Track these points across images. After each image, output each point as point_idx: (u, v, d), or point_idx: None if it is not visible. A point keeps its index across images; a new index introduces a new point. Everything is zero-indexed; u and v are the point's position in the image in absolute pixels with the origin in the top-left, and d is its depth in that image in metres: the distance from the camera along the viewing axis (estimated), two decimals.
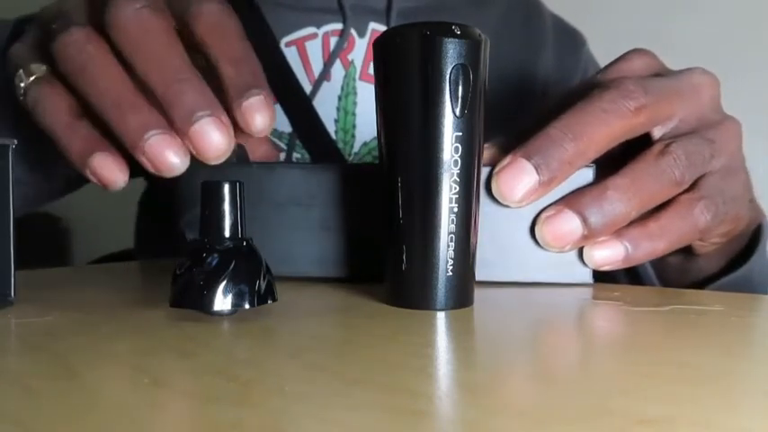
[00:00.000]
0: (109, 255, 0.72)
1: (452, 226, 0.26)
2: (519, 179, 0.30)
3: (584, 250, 0.32)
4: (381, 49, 0.27)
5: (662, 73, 0.34)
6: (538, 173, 0.30)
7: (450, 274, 0.26)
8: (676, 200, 0.32)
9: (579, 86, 0.35)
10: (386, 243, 0.28)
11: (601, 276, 0.34)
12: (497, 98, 0.40)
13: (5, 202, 0.26)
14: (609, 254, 0.31)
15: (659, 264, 0.42)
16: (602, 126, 0.30)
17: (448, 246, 0.26)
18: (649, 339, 0.23)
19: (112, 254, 0.72)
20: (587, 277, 0.33)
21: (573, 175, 0.31)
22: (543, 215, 0.31)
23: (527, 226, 0.32)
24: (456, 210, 0.26)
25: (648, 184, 0.30)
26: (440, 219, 0.26)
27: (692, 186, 0.32)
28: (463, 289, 0.27)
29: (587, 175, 0.32)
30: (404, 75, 0.26)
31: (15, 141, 0.27)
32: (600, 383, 0.17)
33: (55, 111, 0.32)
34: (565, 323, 0.26)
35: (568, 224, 0.30)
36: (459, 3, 0.62)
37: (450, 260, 0.26)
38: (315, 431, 0.14)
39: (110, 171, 0.31)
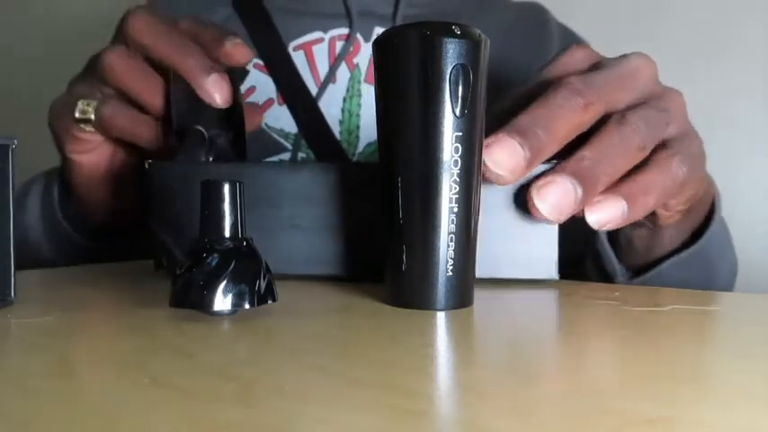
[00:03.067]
0: None
1: (452, 226, 0.26)
2: (507, 152, 0.30)
3: (586, 213, 0.32)
4: (381, 49, 0.27)
5: (601, 62, 0.36)
6: (522, 149, 0.30)
7: (450, 274, 0.26)
8: (653, 159, 0.33)
9: (530, 86, 0.36)
10: (386, 243, 0.28)
11: (569, 272, 0.34)
12: None
13: (5, 202, 0.26)
14: (610, 212, 0.32)
15: (626, 241, 0.44)
16: (561, 120, 0.31)
17: (448, 246, 0.26)
18: (649, 339, 0.23)
19: None
20: (553, 274, 0.33)
21: (540, 168, 0.32)
22: (534, 185, 0.31)
23: (493, 222, 0.32)
24: (456, 210, 0.26)
25: (614, 150, 0.32)
26: (440, 219, 0.26)
27: (661, 147, 0.34)
28: (463, 289, 0.27)
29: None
30: (404, 75, 0.26)
31: (15, 141, 0.27)
32: (600, 383, 0.17)
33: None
34: (565, 323, 0.26)
35: (562, 188, 0.31)
36: (464, 10, 0.62)
37: (450, 260, 0.26)
38: (315, 431, 0.14)
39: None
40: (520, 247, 0.33)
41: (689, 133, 0.36)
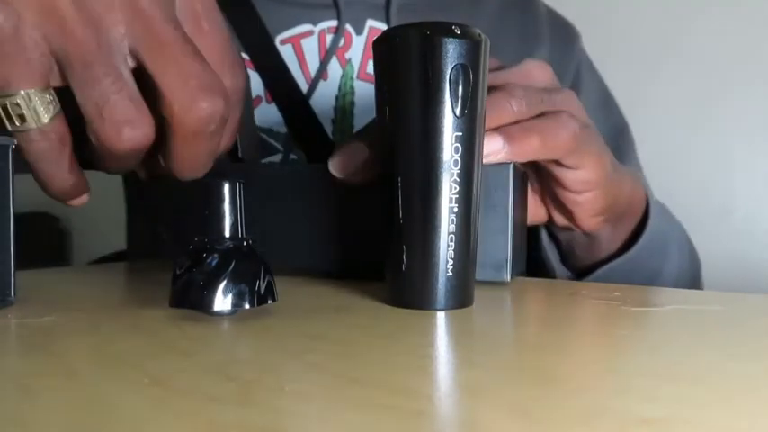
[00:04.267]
0: (109, 255, 0.72)
1: (452, 226, 0.26)
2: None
3: None
4: (381, 48, 0.27)
5: (503, 66, 0.38)
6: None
7: (450, 274, 0.26)
8: (547, 113, 0.35)
9: None
10: (386, 243, 0.28)
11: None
12: None
13: (5, 202, 0.26)
14: (489, 145, 0.33)
15: (568, 245, 0.46)
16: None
17: (448, 246, 0.26)
18: (649, 339, 0.23)
19: (112, 254, 0.72)
20: (505, 276, 0.33)
21: (493, 172, 0.33)
22: None
23: None
24: (456, 210, 0.26)
25: (489, 107, 0.33)
26: (440, 219, 0.26)
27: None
28: (463, 289, 0.27)
29: (507, 172, 0.33)
30: (404, 75, 0.26)
31: (15, 141, 0.27)
32: (600, 383, 0.17)
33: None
34: (564, 323, 0.26)
35: None
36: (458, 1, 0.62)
37: (450, 260, 0.26)
38: (315, 431, 0.14)
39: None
40: None
41: (586, 121, 0.38)
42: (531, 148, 0.34)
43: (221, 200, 0.24)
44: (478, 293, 0.29)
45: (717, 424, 0.14)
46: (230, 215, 0.24)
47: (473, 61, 0.26)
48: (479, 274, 0.34)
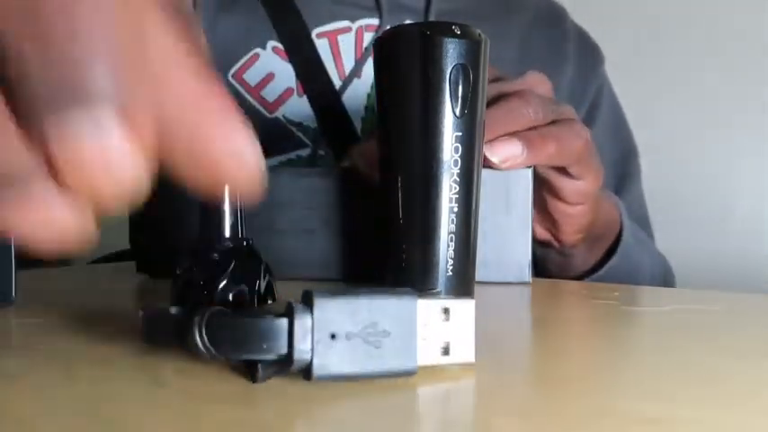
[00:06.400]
0: (109, 255, 0.72)
1: (452, 226, 0.26)
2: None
3: (488, 154, 0.33)
4: (382, 48, 0.27)
5: (501, 77, 0.38)
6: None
7: (450, 273, 0.26)
8: (558, 121, 0.36)
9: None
10: (386, 243, 0.28)
11: None
12: None
13: None
14: (506, 150, 0.33)
15: (542, 261, 0.47)
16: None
17: (448, 246, 0.26)
18: (649, 339, 0.23)
19: (112, 254, 0.72)
20: (525, 277, 0.33)
21: (514, 174, 0.34)
22: None
23: None
24: (456, 210, 0.26)
25: (504, 113, 0.34)
26: (440, 219, 0.26)
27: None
28: (463, 289, 0.27)
29: (527, 174, 0.34)
30: (404, 75, 0.26)
31: None
32: (600, 383, 0.17)
33: None
34: (565, 323, 0.26)
35: None
36: (492, 8, 0.62)
37: (450, 260, 0.26)
38: (315, 430, 0.14)
39: None
40: (494, 251, 0.34)
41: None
42: (548, 155, 0.34)
43: (221, 200, 0.24)
44: (478, 294, 0.29)
45: (717, 424, 0.14)
46: (230, 215, 0.24)
47: (473, 61, 0.26)
48: (501, 275, 0.34)
